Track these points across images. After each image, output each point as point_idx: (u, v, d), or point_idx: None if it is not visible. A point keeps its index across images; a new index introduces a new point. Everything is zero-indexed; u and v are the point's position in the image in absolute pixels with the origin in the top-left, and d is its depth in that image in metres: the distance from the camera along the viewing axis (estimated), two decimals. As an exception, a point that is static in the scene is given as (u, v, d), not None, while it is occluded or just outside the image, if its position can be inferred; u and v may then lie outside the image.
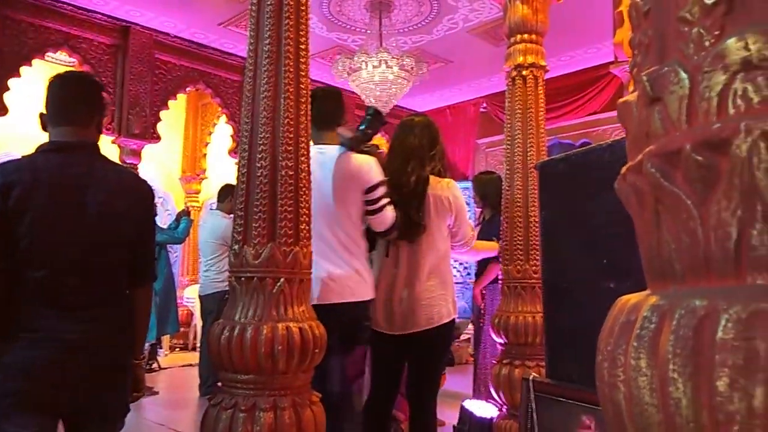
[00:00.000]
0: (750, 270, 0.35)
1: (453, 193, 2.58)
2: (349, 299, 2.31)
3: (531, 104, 2.96)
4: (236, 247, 1.88)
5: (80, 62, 5.99)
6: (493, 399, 3.27)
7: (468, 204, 4.46)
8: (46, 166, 1.57)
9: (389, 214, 2.40)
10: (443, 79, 7.84)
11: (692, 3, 0.40)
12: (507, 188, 2.95)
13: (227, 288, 5.15)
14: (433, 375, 2.66)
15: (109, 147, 5.94)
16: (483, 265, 4.06)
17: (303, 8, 1.99)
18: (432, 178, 2.53)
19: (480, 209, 4.45)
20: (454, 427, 3.30)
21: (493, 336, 2.91)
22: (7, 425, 1.48)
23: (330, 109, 2.48)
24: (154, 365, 6.17)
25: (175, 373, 6.34)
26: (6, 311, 1.52)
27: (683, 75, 0.40)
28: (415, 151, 2.53)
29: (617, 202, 1.43)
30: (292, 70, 1.93)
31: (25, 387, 1.49)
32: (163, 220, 7.53)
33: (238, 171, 1.95)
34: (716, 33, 0.39)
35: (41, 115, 1.67)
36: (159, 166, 8.06)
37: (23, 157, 1.62)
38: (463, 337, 6.58)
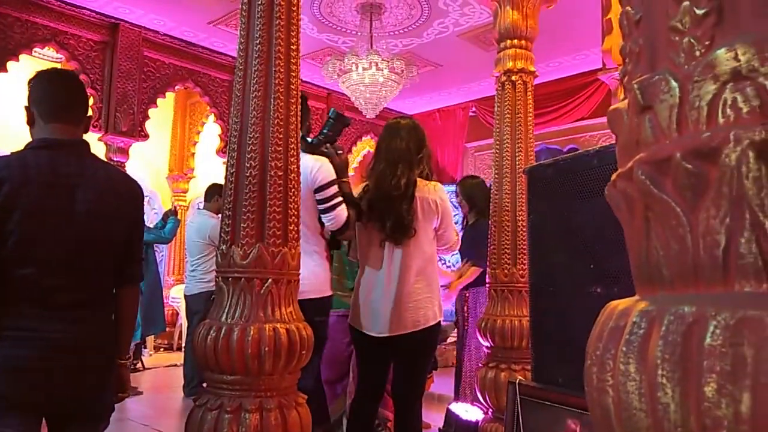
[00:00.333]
0: (738, 277, 0.35)
1: (440, 196, 2.58)
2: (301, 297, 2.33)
3: (520, 109, 2.98)
4: (224, 247, 1.87)
5: (68, 58, 5.94)
6: (479, 402, 3.28)
7: (456, 207, 4.48)
8: (36, 163, 1.55)
9: (342, 213, 2.47)
10: (433, 83, 7.87)
11: (683, 13, 0.40)
12: (495, 192, 2.96)
13: (213, 288, 5.11)
14: (418, 377, 2.66)
15: (96, 144, 5.88)
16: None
17: (294, 8, 1.98)
18: (419, 180, 2.54)
19: (464, 213, 4.47)
20: (439, 429, 3.31)
21: (480, 339, 2.91)
22: None
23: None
24: (139, 365, 6.12)
25: (160, 373, 6.29)
26: None
27: (674, 84, 0.40)
28: (402, 154, 2.53)
29: (605, 208, 1.44)
30: (282, 70, 1.93)
31: (9, 386, 1.47)
32: (149, 218, 7.47)
33: (227, 170, 1.94)
34: (706, 43, 0.39)
35: (28, 110, 1.65)
36: (146, 164, 8.00)
37: (12, 153, 1.60)
38: (450, 340, 6.59)
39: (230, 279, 1.84)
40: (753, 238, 0.35)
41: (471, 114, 8.74)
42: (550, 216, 1.65)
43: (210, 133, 7.96)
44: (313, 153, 2.58)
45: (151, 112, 6.55)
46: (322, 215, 2.51)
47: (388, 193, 2.48)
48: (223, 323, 1.78)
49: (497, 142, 3.00)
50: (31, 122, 1.66)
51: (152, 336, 6.87)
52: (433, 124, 8.96)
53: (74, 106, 1.70)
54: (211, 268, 4.78)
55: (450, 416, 3.14)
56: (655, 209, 0.41)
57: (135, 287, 1.84)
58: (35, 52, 5.99)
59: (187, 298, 5.08)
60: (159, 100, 6.66)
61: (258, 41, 1.92)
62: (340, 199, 2.46)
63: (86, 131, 1.78)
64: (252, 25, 1.95)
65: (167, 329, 6.81)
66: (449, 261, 6.72)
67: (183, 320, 7.13)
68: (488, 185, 8.61)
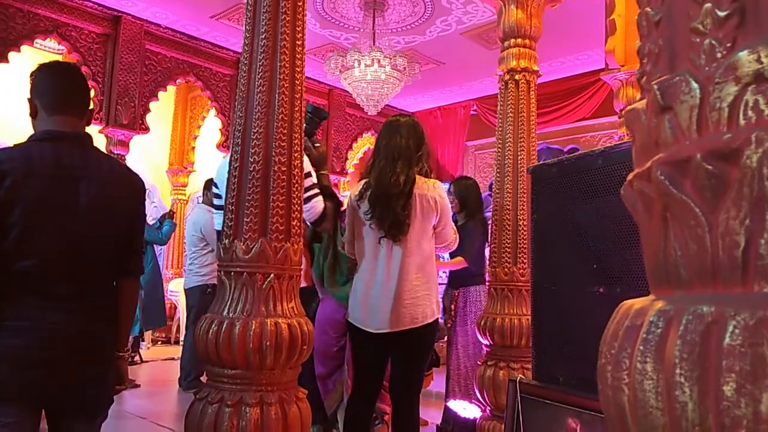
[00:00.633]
0: (757, 278, 0.36)
1: (439, 194, 2.59)
2: None
3: (523, 108, 2.98)
4: (226, 241, 1.87)
5: (69, 50, 5.93)
6: (470, 398, 3.30)
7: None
8: (40, 155, 1.55)
9: (318, 204, 2.50)
10: (434, 81, 7.87)
11: (704, 14, 0.41)
12: (497, 191, 2.96)
13: (209, 281, 5.09)
14: (416, 375, 2.67)
15: (96, 137, 5.87)
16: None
17: (300, 3, 1.98)
18: (418, 178, 2.54)
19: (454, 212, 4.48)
20: (437, 426, 3.31)
21: (479, 337, 2.92)
22: None
23: None
24: (136, 358, 6.12)
25: (157, 367, 6.30)
26: None
27: (694, 85, 0.40)
28: (402, 151, 2.53)
29: (609, 208, 1.44)
30: (287, 65, 1.93)
31: (8, 376, 1.47)
32: (149, 212, 7.47)
33: (230, 165, 1.94)
34: (728, 45, 0.39)
35: (31, 102, 1.65)
36: (146, 157, 7.99)
37: (15, 145, 1.60)
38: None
39: (232, 273, 1.84)
40: (773, 240, 0.35)
41: (472, 112, 8.74)
42: (554, 215, 1.65)
43: (210, 128, 7.95)
44: None
45: (152, 105, 6.55)
46: None
47: (387, 190, 2.48)
48: (225, 317, 1.79)
49: (499, 141, 3.00)
50: (33, 114, 1.66)
51: (150, 329, 6.88)
52: (434, 122, 8.97)
53: (77, 99, 1.71)
54: (207, 262, 4.78)
55: (448, 414, 3.15)
56: (674, 210, 0.41)
57: (135, 280, 1.84)
58: (37, 43, 5.98)
59: (186, 291, 5.08)
60: (160, 94, 6.66)
61: (264, 36, 1.92)
62: (316, 191, 2.49)
63: (89, 124, 1.78)
64: (258, 20, 1.95)
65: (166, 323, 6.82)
66: (443, 256, 6.72)
67: (181, 314, 7.14)
68: (489, 184, 8.60)
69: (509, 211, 2.89)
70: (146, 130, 6.45)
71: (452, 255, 3.74)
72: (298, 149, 1.94)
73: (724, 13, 0.39)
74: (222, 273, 1.87)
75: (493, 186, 3.05)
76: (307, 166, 2.54)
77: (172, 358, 6.35)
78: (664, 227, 0.42)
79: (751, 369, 0.33)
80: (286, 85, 1.91)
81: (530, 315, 2.59)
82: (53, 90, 1.65)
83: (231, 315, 1.79)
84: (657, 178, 0.42)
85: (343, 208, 2.92)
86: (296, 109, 1.94)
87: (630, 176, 0.47)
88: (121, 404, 4.28)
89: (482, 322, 2.86)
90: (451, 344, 3.87)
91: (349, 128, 8.70)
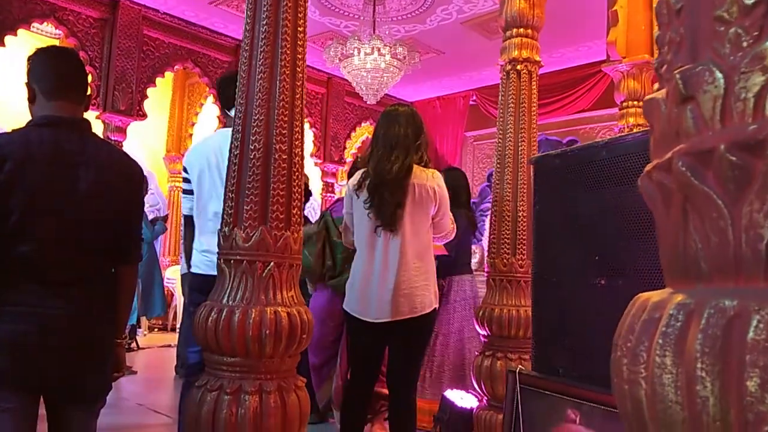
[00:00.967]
0: (782, 272, 0.35)
1: (438, 183, 2.58)
2: None
3: (524, 99, 2.97)
4: (226, 229, 1.86)
5: (66, 35, 5.87)
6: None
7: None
8: (39, 140, 1.54)
9: None
10: (434, 70, 7.83)
11: (730, 2, 0.40)
12: (497, 182, 2.96)
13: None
14: (413, 364, 2.67)
15: (93, 122, 5.84)
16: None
17: (302, -10, 1.96)
18: (417, 168, 2.53)
19: None
20: (434, 416, 3.32)
21: (477, 327, 2.93)
22: None
23: (227, 95, 2.61)
24: (133, 345, 6.13)
25: (154, 354, 6.31)
26: None
27: (718, 75, 0.40)
28: (400, 140, 2.52)
29: (611, 200, 1.44)
30: (289, 52, 1.91)
31: (7, 362, 1.47)
32: (145, 198, 7.44)
33: (231, 153, 1.92)
34: (755, 34, 0.38)
35: (30, 87, 1.63)
36: (143, 144, 7.95)
37: (14, 130, 1.59)
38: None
39: (232, 261, 1.83)
40: (800, 233, 0.34)
41: (471, 103, 8.71)
42: (556, 207, 1.64)
43: (208, 115, 7.92)
44: None
45: (150, 91, 6.50)
46: None
47: (384, 178, 2.47)
48: (225, 305, 1.78)
49: (500, 132, 2.99)
50: (32, 99, 1.64)
51: (151, 317, 6.89)
52: (433, 112, 8.94)
53: (76, 84, 1.70)
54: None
55: (445, 403, 3.16)
56: (695, 201, 0.40)
57: (134, 267, 1.83)
58: (34, 27, 5.92)
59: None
60: (158, 80, 6.61)
61: (265, 22, 1.90)
62: None
63: (86, 110, 1.77)
64: (259, 6, 1.92)
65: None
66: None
67: (178, 301, 7.13)
68: (488, 174, 8.56)
69: (509, 201, 2.88)
70: (144, 116, 6.41)
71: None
72: (299, 137, 1.93)
73: (752, 1, 0.39)
74: (222, 261, 1.86)
75: (493, 177, 3.05)
76: None
77: (169, 345, 6.36)
78: (684, 219, 0.42)
79: (776, 364, 0.33)
80: (287, 72, 1.90)
81: (530, 306, 2.60)
82: (52, 75, 1.63)
83: (231, 303, 1.78)
84: (678, 169, 0.41)
85: (338, 197, 2.92)
86: (297, 96, 1.93)
87: (648, 167, 0.46)
88: (118, 391, 4.29)
89: (481, 313, 2.87)
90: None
91: (347, 117, 8.66)
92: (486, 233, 8.22)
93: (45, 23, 5.92)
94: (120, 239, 1.72)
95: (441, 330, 3.77)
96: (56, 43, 6.37)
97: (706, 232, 0.40)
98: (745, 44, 0.39)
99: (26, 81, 1.65)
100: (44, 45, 1.79)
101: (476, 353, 3.73)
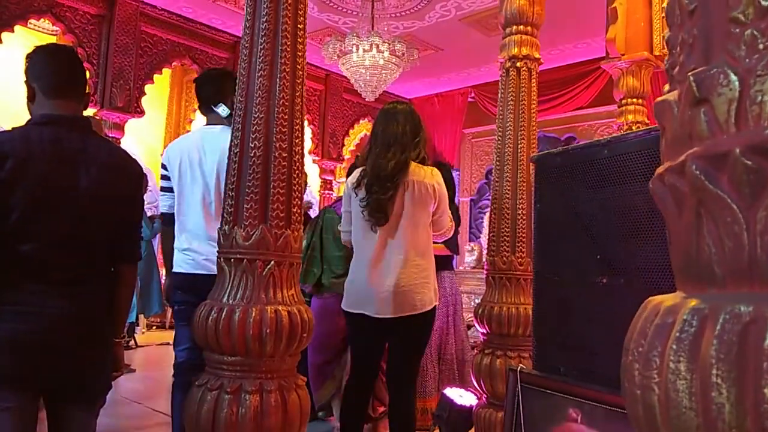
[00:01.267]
0: (799, 278, 0.35)
1: (437, 181, 2.58)
2: None
3: (523, 96, 2.96)
4: (226, 227, 1.85)
5: (64, 31, 5.85)
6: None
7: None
8: (40, 139, 1.53)
9: None
10: (433, 67, 7.82)
11: (746, 4, 0.39)
12: (496, 180, 2.95)
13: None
14: (413, 362, 2.68)
15: (91, 119, 5.82)
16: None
17: (302, -13, 1.95)
18: (416, 165, 2.53)
19: None
20: (433, 414, 3.33)
21: (477, 325, 2.93)
22: None
23: (209, 93, 2.65)
24: (131, 343, 6.12)
25: (152, 351, 6.30)
26: None
27: (733, 77, 0.39)
28: (398, 138, 2.52)
29: (613, 199, 1.43)
30: (289, 49, 1.90)
31: (8, 360, 1.46)
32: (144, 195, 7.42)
33: (230, 151, 1.92)
34: (771, 36, 0.38)
35: (29, 85, 1.62)
36: (141, 141, 7.93)
37: (14, 129, 1.58)
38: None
39: (232, 260, 1.82)
40: (818, 239, 0.34)
41: (470, 100, 8.70)
42: (557, 205, 1.64)
43: (206, 112, 7.87)
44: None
45: (148, 88, 6.48)
46: None
47: (379, 176, 2.48)
48: (225, 304, 1.77)
49: (500, 129, 2.98)
50: (31, 98, 1.63)
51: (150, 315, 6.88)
52: (431, 109, 8.93)
53: (76, 83, 1.69)
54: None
55: (444, 401, 3.16)
56: (709, 205, 0.40)
57: (133, 266, 1.83)
58: (30, 23, 5.89)
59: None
60: (155, 77, 6.59)
61: (265, 18, 1.89)
62: None
63: (86, 108, 1.77)
64: (259, 3, 1.91)
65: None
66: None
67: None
68: (486, 172, 8.54)
69: (508, 199, 2.88)
70: (141, 113, 6.39)
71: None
72: (299, 135, 1.92)
73: (768, 3, 0.38)
74: (222, 260, 1.86)
75: (493, 174, 3.04)
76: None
77: (167, 343, 6.35)
78: (698, 223, 0.41)
79: (794, 372, 0.32)
80: (287, 70, 1.89)
81: (529, 304, 2.60)
82: (51, 73, 1.63)
83: (231, 302, 1.78)
84: (692, 173, 0.40)
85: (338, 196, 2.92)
86: (297, 94, 1.92)
87: (660, 169, 0.46)
88: (116, 389, 4.27)
89: (480, 311, 2.86)
90: None
91: (345, 114, 8.64)
92: (485, 230, 8.22)
93: (42, 19, 5.89)
94: (120, 238, 1.72)
95: None
96: (53, 39, 6.34)
97: (720, 236, 0.39)
98: (761, 46, 0.38)
99: (25, 79, 1.64)
100: (41, 41, 1.79)
101: (453, 351, 3.74)
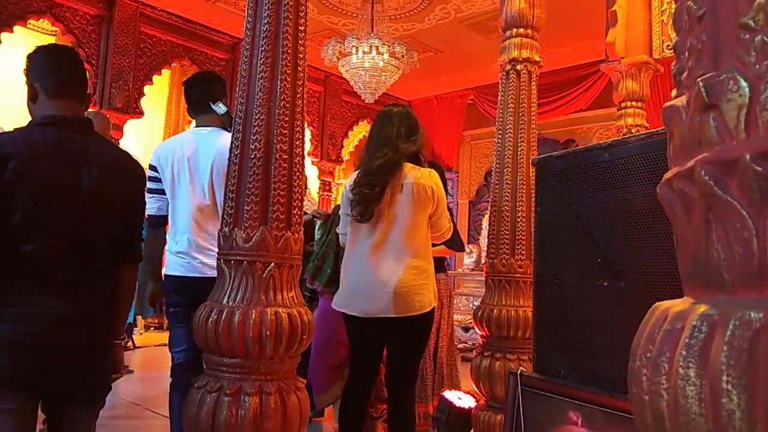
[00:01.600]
0: (810, 285, 0.35)
1: (435, 182, 2.58)
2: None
3: (523, 99, 2.96)
4: (226, 229, 1.85)
5: (63, 31, 5.85)
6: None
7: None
8: (42, 140, 1.53)
9: None
10: (432, 69, 7.82)
11: (756, 10, 0.39)
12: (496, 183, 2.96)
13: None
14: (412, 365, 2.67)
15: (89, 120, 5.81)
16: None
17: (304, -11, 1.95)
18: (414, 167, 2.54)
19: None
20: (432, 416, 3.33)
21: (476, 328, 2.92)
22: None
23: (197, 95, 2.66)
24: (129, 344, 6.11)
25: (150, 353, 6.29)
26: None
27: (743, 83, 0.39)
28: (391, 139, 2.53)
29: (614, 202, 1.43)
30: (290, 51, 1.90)
31: (8, 362, 1.46)
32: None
33: (231, 152, 1.91)
34: (782, 42, 0.38)
35: (31, 86, 1.62)
36: (140, 142, 7.92)
37: (16, 129, 1.57)
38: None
39: (232, 262, 1.82)
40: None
41: (469, 102, 8.71)
42: (558, 208, 1.64)
43: (205, 113, 7.86)
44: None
45: (147, 89, 6.47)
46: None
47: (367, 173, 2.49)
48: (225, 306, 1.77)
49: (499, 132, 2.99)
50: (33, 98, 1.63)
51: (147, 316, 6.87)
52: (431, 111, 8.93)
53: (78, 83, 1.69)
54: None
55: (443, 403, 3.16)
56: (718, 211, 0.40)
57: (134, 267, 1.82)
58: (30, 23, 5.88)
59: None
60: (155, 77, 6.58)
61: (266, 21, 1.89)
62: None
63: (87, 108, 1.76)
64: (260, 4, 1.91)
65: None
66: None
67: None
68: (485, 174, 8.53)
69: (508, 202, 2.88)
70: (140, 113, 6.38)
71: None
72: (300, 137, 1.92)
73: (778, 9, 0.38)
74: (221, 261, 1.85)
75: (492, 177, 3.04)
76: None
77: (165, 344, 6.33)
78: (706, 229, 0.41)
79: (806, 379, 0.32)
80: (288, 72, 1.89)
81: (529, 307, 2.60)
82: (54, 74, 1.62)
83: (230, 304, 1.77)
84: (701, 178, 0.40)
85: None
86: (298, 96, 1.92)
87: (668, 174, 0.46)
88: (115, 390, 4.25)
89: (479, 313, 2.86)
90: None
91: (345, 115, 8.65)
92: (483, 232, 8.22)
93: (41, 20, 5.89)
94: (122, 239, 1.71)
95: None
96: (53, 39, 6.34)
97: (729, 242, 0.39)
98: (771, 52, 0.38)
99: (26, 79, 1.63)
100: (40, 42, 1.78)
101: (444, 354, 3.73)
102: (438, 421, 3.16)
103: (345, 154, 8.74)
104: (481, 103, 8.38)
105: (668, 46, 3.77)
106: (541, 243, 1.74)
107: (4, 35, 5.45)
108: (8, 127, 2.11)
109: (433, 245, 2.72)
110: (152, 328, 7.81)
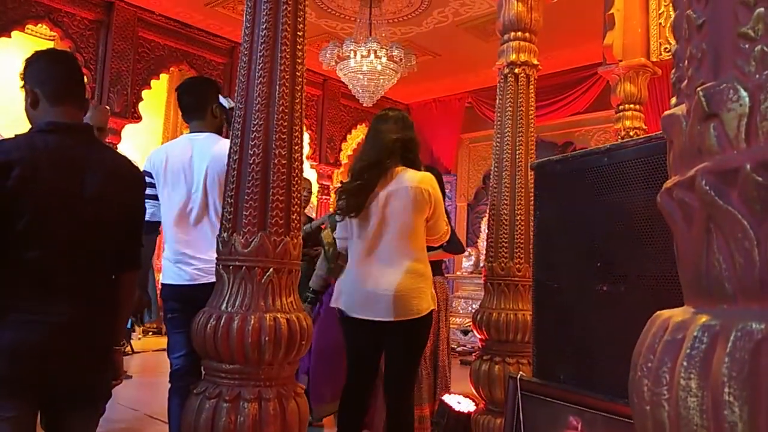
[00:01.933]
0: (812, 296, 0.35)
1: (432, 186, 2.58)
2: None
3: (522, 102, 2.97)
4: (225, 234, 1.85)
5: (61, 36, 5.85)
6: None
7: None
8: (45, 147, 1.53)
9: None
10: (430, 73, 7.83)
11: (756, 20, 0.39)
12: (495, 186, 2.96)
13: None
14: (412, 369, 2.66)
15: (88, 125, 5.80)
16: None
17: (301, -6, 1.95)
18: (410, 171, 2.54)
19: None
20: (431, 421, 3.32)
21: (475, 332, 2.92)
22: None
23: (189, 101, 2.67)
24: (127, 349, 6.10)
25: (148, 358, 6.28)
26: None
27: (743, 93, 0.39)
28: (385, 142, 2.53)
29: (613, 206, 1.43)
30: (288, 56, 1.90)
31: (9, 370, 1.45)
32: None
33: (230, 157, 1.91)
34: (781, 52, 0.38)
35: (32, 91, 1.61)
36: (138, 146, 7.91)
37: (17, 136, 1.57)
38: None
39: (231, 267, 1.82)
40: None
41: (467, 105, 8.72)
42: (557, 213, 1.64)
43: (203, 117, 7.86)
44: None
45: (145, 93, 6.47)
46: None
47: (358, 171, 2.51)
48: (223, 312, 1.77)
49: (498, 135, 2.99)
50: (34, 104, 1.62)
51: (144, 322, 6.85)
52: (429, 114, 8.94)
53: (78, 89, 1.69)
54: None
55: (443, 407, 3.16)
56: (719, 221, 0.40)
57: (134, 273, 1.82)
58: (28, 29, 5.88)
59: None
60: (153, 82, 6.58)
61: (264, 26, 1.89)
62: None
63: (85, 114, 1.76)
64: (258, 10, 1.92)
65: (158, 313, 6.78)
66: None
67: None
68: (484, 177, 8.53)
69: (506, 205, 2.88)
70: (138, 118, 6.38)
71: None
72: (299, 142, 1.92)
73: (777, 18, 0.38)
74: (220, 267, 1.85)
75: (491, 180, 3.04)
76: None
77: (163, 349, 6.32)
78: (707, 238, 0.41)
79: (809, 391, 0.32)
80: (286, 77, 1.89)
81: (528, 310, 2.60)
82: (57, 80, 1.62)
83: (229, 309, 1.77)
84: (702, 188, 0.40)
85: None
86: (297, 101, 1.92)
87: (668, 183, 0.46)
88: (114, 395, 4.25)
89: (478, 317, 2.86)
90: None
91: (343, 119, 8.65)
92: (482, 235, 8.22)
93: (39, 25, 5.89)
94: (122, 246, 1.71)
95: None
96: (51, 44, 6.33)
97: (730, 252, 0.39)
98: (771, 62, 0.38)
99: (27, 85, 1.63)
100: (38, 47, 1.78)
101: (444, 357, 3.72)
102: (437, 425, 3.15)
103: (343, 158, 8.74)
104: (479, 106, 8.39)
105: (666, 49, 3.78)
106: (540, 247, 1.74)
107: (2, 40, 5.45)
108: (6, 133, 2.10)
109: (431, 249, 2.71)
110: (151, 333, 7.79)
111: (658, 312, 0.47)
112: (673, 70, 0.50)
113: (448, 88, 8.60)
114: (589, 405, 1.43)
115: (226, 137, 2.27)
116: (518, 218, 2.87)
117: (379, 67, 5.64)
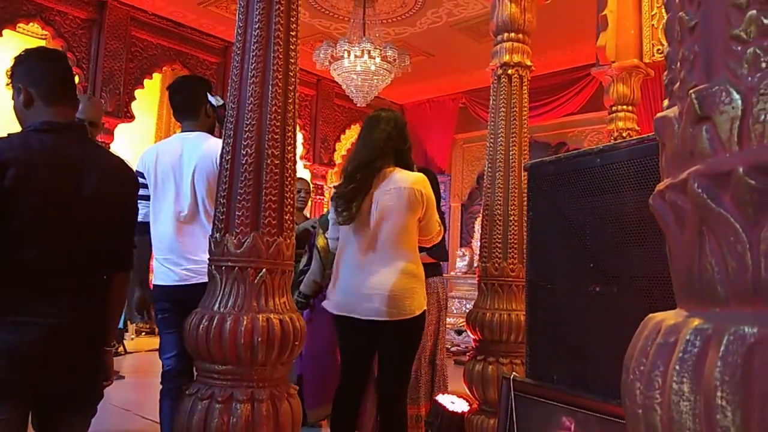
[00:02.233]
0: (804, 299, 0.34)
1: (424, 186, 2.58)
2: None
3: (515, 103, 2.97)
4: (217, 235, 1.84)
5: (53, 35, 5.81)
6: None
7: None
8: (41, 146, 1.51)
9: None
10: (424, 73, 7.84)
11: (748, 22, 0.39)
12: (488, 187, 2.96)
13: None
14: (403, 370, 2.65)
15: (80, 124, 5.77)
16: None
17: (294, -6, 1.95)
18: (402, 171, 2.54)
19: None
20: (425, 421, 3.32)
21: (469, 332, 2.92)
22: None
23: (181, 100, 2.67)
24: (120, 349, 6.07)
25: (141, 358, 6.25)
26: None
27: (735, 96, 0.39)
28: (377, 143, 2.53)
29: (606, 207, 1.43)
30: (281, 56, 1.90)
31: (5, 372, 1.44)
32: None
33: (222, 158, 1.91)
34: (774, 54, 0.38)
35: (26, 90, 1.60)
36: (130, 146, 7.87)
37: (10, 135, 1.55)
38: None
39: (223, 268, 1.81)
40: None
41: (461, 105, 8.72)
42: (550, 213, 1.64)
43: (197, 116, 7.83)
44: None
45: (137, 93, 6.44)
46: None
47: (350, 173, 2.51)
48: (216, 312, 1.76)
49: (491, 136, 2.99)
50: (28, 104, 1.60)
51: (136, 321, 6.83)
52: (423, 114, 8.95)
53: (71, 89, 1.69)
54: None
55: (436, 407, 3.15)
56: (711, 224, 0.39)
57: (126, 273, 1.81)
58: (19, 27, 5.84)
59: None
60: (146, 81, 6.55)
61: (257, 26, 1.88)
62: None
63: (76, 112, 1.75)
64: (251, 9, 1.91)
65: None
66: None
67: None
68: (477, 177, 8.55)
69: (500, 206, 2.88)
70: (131, 118, 6.35)
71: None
72: (292, 142, 1.92)
73: (770, 21, 0.38)
74: (213, 267, 1.84)
75: (484, 181, 3.05)
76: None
77: (156, 350, 6.29)
78: (700, 241, 0.41)
79: (801, 396, 0.32)
80: (279, 77, 1.88)
81: (521, 310, 2.60)
82: (51, 79, 1.61)
83: (222, 310, 1.76)
84: (694, 191, 0.40)
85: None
86: (290, 101, 1.91)
87: (661, 186, 0.45)
88: (105, 396, 4.23)
89: (472, 317, 2.86)
90: None
91: (337, 119, 8.64)
92: (476, 235, 8.23)
93: (31, 23, 5.85)
94: (116, 246, 1.70)
95: None
96: (42, 43, 6.30)
97: (723, 255, 0.39)
98: (764, 65, 0.38)
99: (19, 84, 1.61)
100: (30, 45, 1.76)
101: (443, 357, 3.72)
102: (431, 425, 3.15)
103: (337, 158, 8.73)
104: (473, 106, 8.40)
105: (659, 50, 3.79)
106: (533, 247, 1.74)
107: (-6, 39, 5.41)
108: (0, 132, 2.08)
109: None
110: (143, 333, 7.76)
111: (650, 315, 0.47)
112: (666, 72, 0.50)
113: (442, 88, 8.60)
114: (582, 405, 1.43)
115: (219, 136, 2.25)
116: (512, 219, 2.87)
117: (372, 68, 5.64)
